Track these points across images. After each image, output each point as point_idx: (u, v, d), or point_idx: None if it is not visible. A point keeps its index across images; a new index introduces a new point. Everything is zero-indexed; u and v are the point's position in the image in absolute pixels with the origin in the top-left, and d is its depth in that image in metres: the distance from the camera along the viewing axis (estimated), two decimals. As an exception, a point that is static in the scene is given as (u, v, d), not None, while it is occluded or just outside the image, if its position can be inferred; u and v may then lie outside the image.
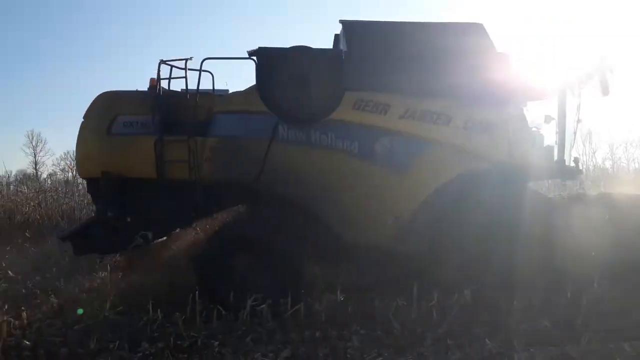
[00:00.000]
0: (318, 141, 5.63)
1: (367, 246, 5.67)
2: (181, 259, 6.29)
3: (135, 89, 6.21)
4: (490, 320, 5.10)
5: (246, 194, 5.85)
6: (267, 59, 5.67)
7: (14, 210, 10.70)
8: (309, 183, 5.64)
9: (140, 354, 4.16)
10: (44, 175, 40.84)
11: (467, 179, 5.65)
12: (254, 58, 5.69)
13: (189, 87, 5.93)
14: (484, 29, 5.90)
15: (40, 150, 52.86)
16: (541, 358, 3.99)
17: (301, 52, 5.71)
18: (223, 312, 5.05)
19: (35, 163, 51.57)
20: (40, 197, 11.89)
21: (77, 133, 5.96)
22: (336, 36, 6.77)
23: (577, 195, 7.74)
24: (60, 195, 12.59)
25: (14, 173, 35.95)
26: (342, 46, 6.10)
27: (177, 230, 6.48)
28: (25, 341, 4.45)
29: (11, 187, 13.90)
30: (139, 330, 4.69)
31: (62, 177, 41.41)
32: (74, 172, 47.46)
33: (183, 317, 4.83)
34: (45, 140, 53.46)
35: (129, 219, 5.72)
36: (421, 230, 5.62)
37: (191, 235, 6.53)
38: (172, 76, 5.81)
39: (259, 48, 5.69)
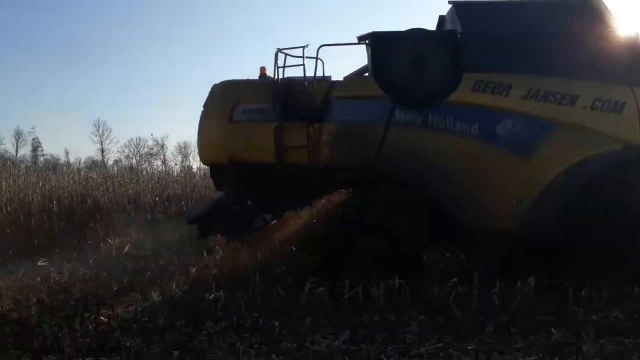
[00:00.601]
0: (436, 124, 5.52)
1: (487, 230, 5.57)
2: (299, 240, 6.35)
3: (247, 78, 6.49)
4: (557, 309, 4.96)
5: (362, 178, 5.84)
6: (381, 43, 5.69)
7: (85, 195, 11.32)
8: (427, 166, 5.58)
9: (205, 332, 4.32)
10: (110, 162, 43.08)
11: (595, 162, 5.41)
12: (367, 43, 5.75)
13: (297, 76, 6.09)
14: (604, 3, 5.72)
15: (106, 138, 55.89)
16: (612, 350, 3.79)
17: (417, 35, 5.67)
18: (282, 293, 5.19)
19: (102, 150, 54.57)
20: (108, 182, 12.52)
21: (197, 121, 6.27)
22: (441, 17, 6.66)
23: None
24: (127, 180, 13.21)
25: (83, 160, 38.13)
26: (451, 27, 6.05)
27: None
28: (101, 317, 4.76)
29: (82, 172, 14.64)
30: (204, 309, 4.87)
31: (126, 163, 43.63)
32: (138, 159, 49.91)
33: (245, 297, 5.00)
34: (110, 129, 56.42)
35: (249, 203, 5.94)
36: (545, 215, 5.42)
37: (308, 218, 6.50)
38: (286, 64, 5.98)
39: (372, 32, 5.70)
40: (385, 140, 5.59)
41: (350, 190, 5.90)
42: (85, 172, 15.17)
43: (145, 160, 47.84)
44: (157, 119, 78.54)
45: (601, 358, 3.67)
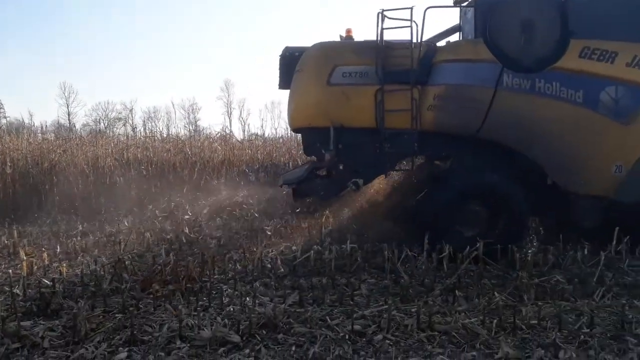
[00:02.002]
0: (542, 90, 5.56)
1: (585, 195, 5.69)
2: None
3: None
4: (502, 274, 5.09)
5: (461, 143, 5.82)
6: (490, 7, 5.62)
7: (41, 157, 10.92)
8: (531, 132, 5.64)
9: (152, 295, 4.26)
10: (78, 126, 41.81)
11: None
12: (474, 6, 5.73)
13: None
14: None
15: (73, 101, 53.96)
16: (549, 312, 3.92)
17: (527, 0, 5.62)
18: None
19: (68, 114, 52.74)
20: (66, 144, 12.10)
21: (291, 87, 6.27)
22: None
23: None
24: (86, 143, 12.79)
25: (49, 123, 36.89)
26: None
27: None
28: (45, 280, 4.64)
29: (38, 135, 14.10)
30: (153, 272, 4.80)
31: (95, 127, 42.41)
32: (105, 123, 48.67)
33: (195, 261, 4.98)
34: (77, 92, 54.39)
35: (341, 167, 6.00)
36: None
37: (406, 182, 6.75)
38: (384, 27, 5.78)
39: None
40: (493, 105, 5.61)
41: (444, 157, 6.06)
42: (42, 135, 14.59)
43: (113, 125, 46.70)
44: (125, 83, 76.45)
45: (538, 319, 3.78)
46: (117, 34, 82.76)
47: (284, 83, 6.77)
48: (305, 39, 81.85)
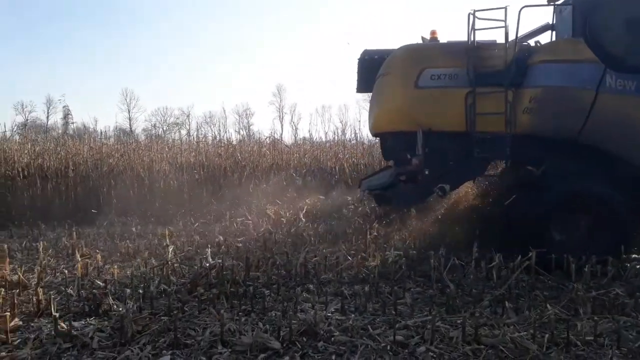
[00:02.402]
0: None
1: None
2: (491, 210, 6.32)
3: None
4: (556, 286, 4.83)
5: (558, 147, 5.56)
6: (592, 5, 5.45)
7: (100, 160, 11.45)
8: (636, 137, 5.38)
9: (197, 298, 4.34)
10: (138, 130, 43.73)
11: None
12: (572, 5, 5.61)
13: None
14: None
15: (134, 107, 56.55)
16: (607, 327, 3.67)
17: None
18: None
19: (130, 119, 55.27)
20: (123, 149, 12.63)
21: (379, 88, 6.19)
22: None
23: None
24: (142, 148, 13.30)
25: (112, 128, 38.87)
26: None
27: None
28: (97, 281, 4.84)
29: (99, 140, 14.81)
30: (199, 275, 4.90)
31: (153, 132, 44.18)
32: (164, 128, 50.62)
33: (240, 265, 5.04)
34: (138, 97, 57.00)
35: (427, 172, 5.84)
36: None
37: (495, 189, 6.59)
38: (476, 27, 5.70)
39: None
40: (594, 108, 5.38)
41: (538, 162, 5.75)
42: (102, 139, 15.30)
43: (171, 130, 48.43)
44: (182, 89, 79.16)
45: (594, 335, 3.55)
46: (174, 41, 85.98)
47: (363, 86, 6.75)
48: (357, 42, 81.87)
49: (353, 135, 18.02)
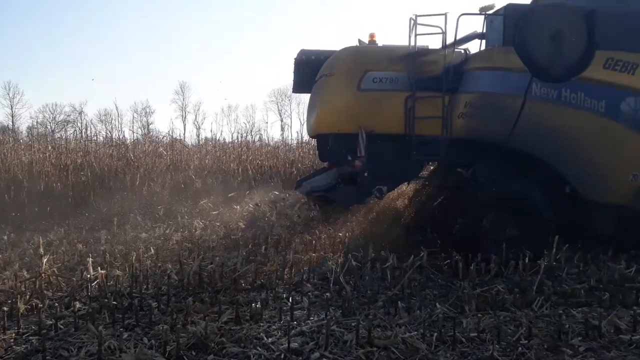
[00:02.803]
0: (568, 99, 5.69)
1: (604, 203, 5.82)
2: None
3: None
4: (446, 284, 5.05)
5: (489, 150, 5.86)
6: (521, 15, 5.73)
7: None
8: (556, 141, 5.75)
9: (74, 314, 3.92)
10: (22, 128, 39.65)
11: None
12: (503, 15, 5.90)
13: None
14: None
15: (18, 102, 51.41)
16: (489, 323, 3.86)
17: (555, 9, 5.80)
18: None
19: (12, 115, 50.14)
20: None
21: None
22: None
23: None
24: (22, 147, 12.06)
25: (-8, 124, 34.79)
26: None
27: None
28: None
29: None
30: (79, 288, 4.45)
31: (42, 130, 40.34)
32: (53, 126, 46.63)
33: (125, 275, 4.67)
34: (22, 92, 51.88)
35: (366, 174, 5.93)
36: None
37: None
38: (417, 33, 5.95)
39: (509, 5, 5.89)
40: (521, 114, 5.70)
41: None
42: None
43: (61, 128, 44.61)
44: (75, 85, 73.39)
45: (478, 331, 3.72)
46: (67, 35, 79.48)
47: (299, 87, 6.85)
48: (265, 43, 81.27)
49: (257, 137, 17.80)
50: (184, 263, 5.04)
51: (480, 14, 6.13)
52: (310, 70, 6.54)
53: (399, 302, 4.31)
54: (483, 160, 5.99)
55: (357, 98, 5.96)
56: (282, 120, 58.55)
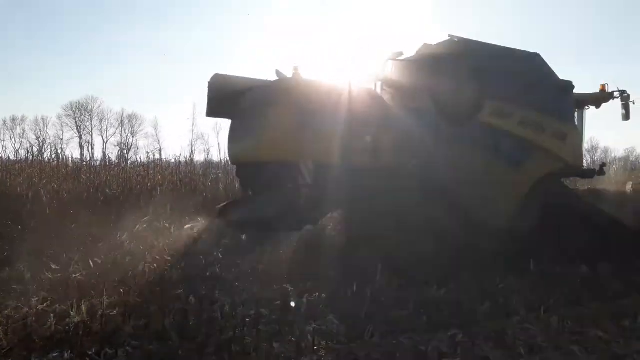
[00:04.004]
0: (466, 139, 7.00)
1: (494, 226, 6.82)
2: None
3: None
4: (279, 318, 4.83)
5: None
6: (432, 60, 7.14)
7: None
8: (455, 174, 6.77)
9: None
10: None
11: (554, 175, 7.63)
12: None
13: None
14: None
15: None
16: (328, 358, 3.76)
17: (454, 62, 7.08)
18: None
19: None
20: None
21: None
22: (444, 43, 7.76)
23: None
24: None
25: None
26: (453, 58, 7.39)
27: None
28: None
29: None
30: None
31: None
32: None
33: None
34: None
35: (302, 201, 6.36)
36: (529, 213, 7.14)
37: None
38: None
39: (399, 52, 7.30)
40: (431, 150, 6.85)
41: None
42: None
43: None
44: None
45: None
46: None
47: (213, 110, 6.91)
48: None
49: (54, 155, 15.50)
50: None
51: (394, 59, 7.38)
52: (223, 95, 6.67)
53: (232, 345, 3.94)
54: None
55: (301, 130, 6.30)
56: (80, 138, 52.87)
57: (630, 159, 45.51)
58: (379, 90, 7.30)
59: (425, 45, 7.68)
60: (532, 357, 3.94)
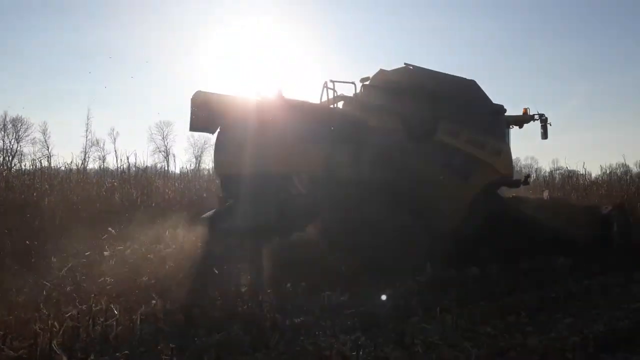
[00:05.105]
0: (427, 155, 8.01)
1: (448, 231, 7.66)
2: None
3: None
4: (181, 331, 4.62)
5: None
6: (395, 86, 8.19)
7: None
8: (419, 184, 7.74)
9: None
10: None
11: (490, 185, 8.62)
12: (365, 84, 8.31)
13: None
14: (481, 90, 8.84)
15: None
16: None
17: (408, 90, 8.16)
18: None
19: None
20: None
21: None
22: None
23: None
24: None
25: None
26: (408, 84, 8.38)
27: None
28: None
29: None
30: None
31: None
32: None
33: None
34: None
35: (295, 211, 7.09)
36: (473, 218, 8.04)
37: None
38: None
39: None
40: (403, 165, 7.81)
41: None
42: None
43: None
44: None
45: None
46: None
47: (195, 126, 7.28)
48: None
49: None
50: None
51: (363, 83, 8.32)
52: (205, 110, 7.05)
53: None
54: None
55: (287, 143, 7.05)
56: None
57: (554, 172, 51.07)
58: (354, 110, 8.04)
59: (382, 71, 8.56)
60: (429, 355, 4.12)
